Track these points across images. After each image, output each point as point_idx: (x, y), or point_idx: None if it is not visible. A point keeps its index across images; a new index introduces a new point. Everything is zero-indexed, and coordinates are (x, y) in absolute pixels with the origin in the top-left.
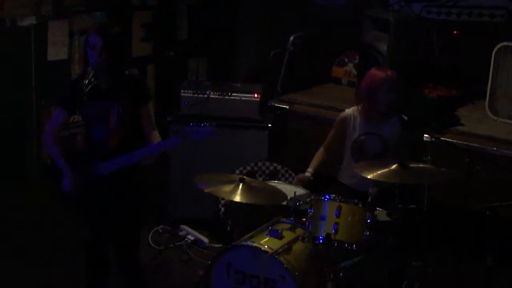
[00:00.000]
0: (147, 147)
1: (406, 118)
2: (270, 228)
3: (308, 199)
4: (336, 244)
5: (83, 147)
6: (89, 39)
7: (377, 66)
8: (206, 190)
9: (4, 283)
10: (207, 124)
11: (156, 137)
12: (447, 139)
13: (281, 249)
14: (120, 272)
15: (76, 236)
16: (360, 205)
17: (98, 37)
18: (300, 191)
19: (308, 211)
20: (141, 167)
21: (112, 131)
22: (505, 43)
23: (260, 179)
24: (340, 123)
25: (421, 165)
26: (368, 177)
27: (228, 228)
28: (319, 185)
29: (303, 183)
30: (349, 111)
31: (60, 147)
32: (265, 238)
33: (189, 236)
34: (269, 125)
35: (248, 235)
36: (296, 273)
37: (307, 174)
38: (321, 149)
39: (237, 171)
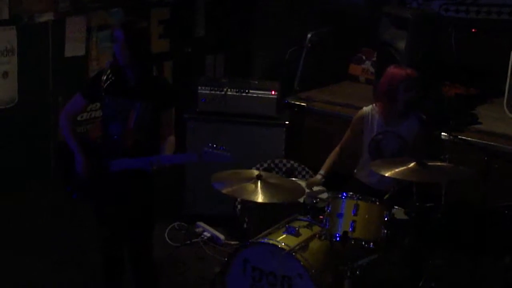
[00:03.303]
0: (163, 155)
1: (424, 116)
2: (287, 225)
3: (325, 197)
4: (353, 242)
5: (97, 140)
6: (113, 33)
7: (394, 65)
8: (223, 191)
9: (19, 280)
10: (226, 149)
11: (170, 143)
12: (465, 138)
13: (298, 247)
14: (133, 269)
15: (91, 233)
16: (377, 203)
17: (121, 31)
18: (317, 188)
19: (326, 208)
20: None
21: (129, 130)
22: None
23: (277, 176)
24: (358, 121)
25: (439, 164)
26: (386, 175)
27: (245, 225)
28: (336, 182)
29: (314, 186)
30: (367, 109)
31: (76, 132)
32: (282, 235)
33: (206, 233)
34: (286, 122)
35: (265, 232)
36: (313, 271)
37: (319, 176)
38: (337, 149)
39: (254, 168)
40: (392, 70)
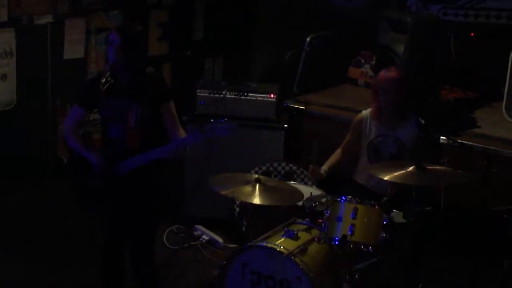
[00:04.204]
0: (167, 144)
1: (422, 120)
2: (285, 228)
3: (324, 200)
4: (352, 246)
5: (100, 147)
6: (109, 36)
7: (387, 67)
8: (222, 193)
9: (17, 282)
10: (227, 120)
11: (181, 136)
12: (464, 142)
13: (296, 250)
14: (134, 271)
15: (90, 235)
16: (376, 207)
17: (117, 35)
18: (316, 191)
19: (324, 212)
20: (160, 168)
21: (131, 131)
22: None
23: (276, 179)
24: (356, 125)
25: (438, 167)
26: (385, 178)
27: (243, 229)
28: (335, 185)
29: (316, 176)
30: (365, 112)
31: (80, 139)
32: (281, 239)
33: (204, 236)
34: (285, 125)
35: (264, 235)
36: (312, 274)
37: (322, 169)
38: (339, 150)
39: (253, 172)
40: (380, 72)
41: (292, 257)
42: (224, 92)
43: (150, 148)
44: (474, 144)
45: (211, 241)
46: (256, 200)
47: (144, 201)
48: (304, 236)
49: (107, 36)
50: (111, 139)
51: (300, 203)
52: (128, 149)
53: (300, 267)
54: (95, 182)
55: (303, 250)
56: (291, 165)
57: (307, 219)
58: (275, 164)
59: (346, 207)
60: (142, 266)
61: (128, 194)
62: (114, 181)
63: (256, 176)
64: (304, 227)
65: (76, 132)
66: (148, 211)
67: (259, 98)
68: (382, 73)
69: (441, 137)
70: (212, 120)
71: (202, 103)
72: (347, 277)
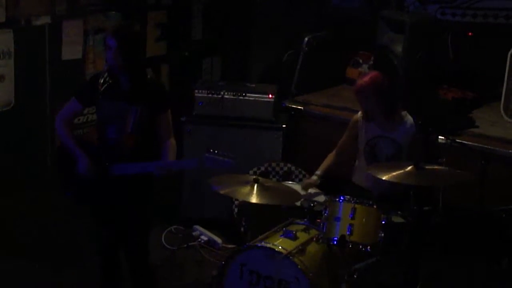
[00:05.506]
0: (163, 161)
1: (420, 121)
2: (284, 229)
3: (323, 200)
4: (350, 246)
5: (96, 144)
6: (106, 40)
7: (364, 73)
8: (221, 192)
9: (16, 282)
10: (229, 155)
11: (171, 146)
12: (462, 141)
13: (295, 250)
14: (130, 273)
15: (88, 236)
16: (375, 207)
17: (113, 39)
18: (314, 191)
19: (323, 212)
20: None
21: (127, 135)
22: None
23: (274, 179)
24: (353, 126)
25: (436, 167)
26: (384, 178)
27: (242, 229)
28: (333, 186)
29: (311, 187)
30: (361, 114)
31: (73, 135)
32: (279, 239)
33: (203, 237)
34: (283, 125)
35: (262, 235)
36: (310, 275)
37: (314, 177)
38: (333, 152)
39: (251, 172)
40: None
41: (291, 257)
42: (222, 93)
43: (145, 153)
44: (473, 143)
45: (209, 242)
46: (254, 199)
47: (135, 203)
48: (302, 236)
49: (104, 41)
50: (107, 140)
51: (299, 203)
52: (123, 152)
53: (299, 267)
54: (79, 174)
55: (301, 250)
56: (289, 165)
57: (305, 219)
58: (274, 164)
59: (344, 207)
60: (137, 267)
61: (120, 194)
62: (103, 181)
63: (254, 176)
64: (302, 227)
65: (68, 124)
66: (138, 212)
67: (257, 99)
68: (358, 81)
69: (440, 137)
70: (211, 151)
71: (200, 103)
72: (346, 277)
